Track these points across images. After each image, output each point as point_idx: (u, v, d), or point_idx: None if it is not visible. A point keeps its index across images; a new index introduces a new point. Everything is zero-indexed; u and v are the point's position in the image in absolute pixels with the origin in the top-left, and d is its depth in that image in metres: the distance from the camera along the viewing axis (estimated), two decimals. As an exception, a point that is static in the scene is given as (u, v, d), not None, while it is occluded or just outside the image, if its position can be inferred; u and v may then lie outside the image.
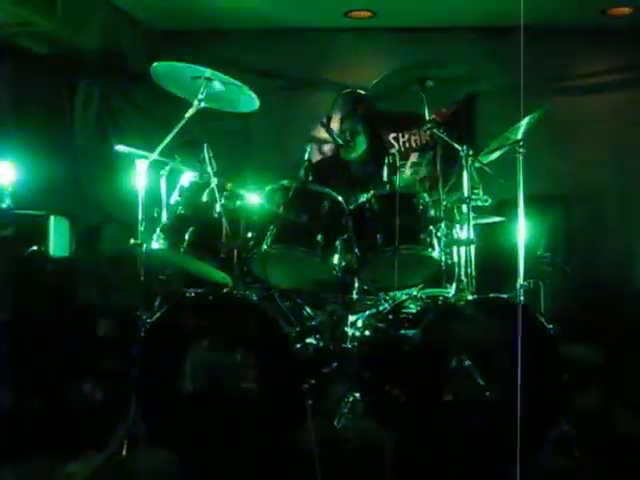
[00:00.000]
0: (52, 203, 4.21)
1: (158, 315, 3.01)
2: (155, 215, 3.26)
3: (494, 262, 3.56)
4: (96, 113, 5.02)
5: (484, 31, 4.96)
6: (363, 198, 3.21)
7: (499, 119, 4.95)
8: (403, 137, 5.17)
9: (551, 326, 2.94)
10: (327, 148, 4.18)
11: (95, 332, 4.25)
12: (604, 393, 3.50)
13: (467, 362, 2.93)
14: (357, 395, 3.45)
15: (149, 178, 3.19)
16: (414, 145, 5.17)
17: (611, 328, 4.30)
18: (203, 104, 3.27)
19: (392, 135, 5.18)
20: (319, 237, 3.07)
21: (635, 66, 4.93)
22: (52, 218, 3.98)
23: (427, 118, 3.32)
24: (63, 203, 4.42)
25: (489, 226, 3.59)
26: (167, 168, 3.28)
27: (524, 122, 3.17)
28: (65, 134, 4.86)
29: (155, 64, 3.23)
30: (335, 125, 4.21)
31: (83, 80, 4.92)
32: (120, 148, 3.26)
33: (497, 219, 3.57)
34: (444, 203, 3.24)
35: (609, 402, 3.36)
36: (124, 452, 2.98)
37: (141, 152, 3.20)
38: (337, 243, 3.16)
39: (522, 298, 3.04)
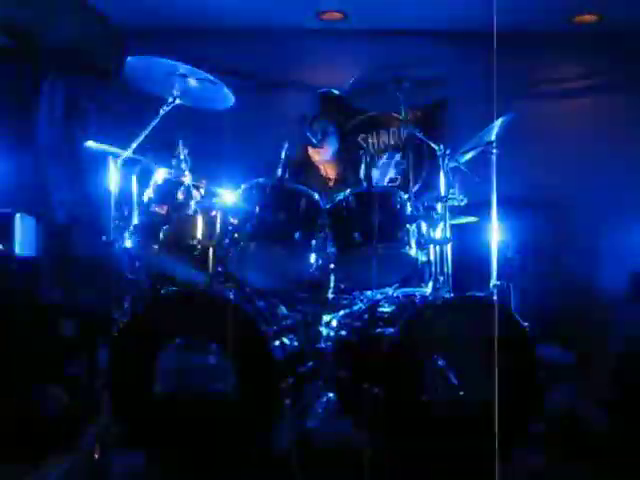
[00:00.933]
0: (18, 201, 4.11)
1: (131, 314, 2.95)
2: (126, 213, 3.19)
3: (464, 262, 3.58)
4: (62, 110, 4.93)
5: (454, 35, 5.00)
6: (340, 196, 3.20)
7: (467, 122, 5.04)
8: (372, 138, 5.19)
9: (527, 324, 2.97)
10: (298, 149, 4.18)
11: (61, 333, 4.14)
12: (574, 392, 3.54)
13: (440, 362, 2.95)
14: (331, 395, 3.44)
15: (120, 176, 3.13)
16: (383, 146, 5.19)
17: (579, 328, 4.38)
18: (177, 101, 3.23)
19: (361, 136, 5.19)
20: (296, 235, 3.06)
21: (599, 72, 5.03)
22: (18, 216, 3.88)
23: (404, 117, 3.33)
24: (29, 201, 4.32)
25: (459, 226, 3.62)
26: (139, 166, 3.22)
27: (497, 123, 3.21)
28: (30, 131, 4.75)
29: (129, 58, 3.19)
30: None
31: (49, 76, 4.82)
32: (91, 145, 3.20)
33: (471, 219, 3.61)
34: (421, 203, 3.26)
35: (579, 401, 3.41)
36: (96, 455, 2.90)
37: (113, 149, 3.14)
38: (314, 241, 3.15)
39: (496, 297, 3.06)
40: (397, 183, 5.02)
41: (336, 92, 3.86)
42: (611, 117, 4.97)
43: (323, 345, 3.43)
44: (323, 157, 4.22)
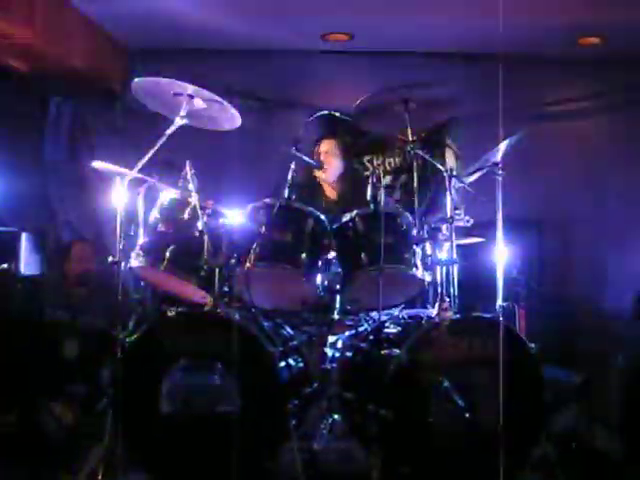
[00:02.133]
0: (23, 219, 4.12)
1: (138, 335, 2.94)
2: (132, 233, 3.19)
3: (470, 282, 3.58)
4: (69, 129, 4.95)
5: (459, 57, 5.03)
6: (346, 217, 3.20)
7: (470, 143, 5.06)
8: (377, 160, 5.20)
9: (533, 346, 2.96)
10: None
11: (63, 352, 4.13)
12: (581, 413, 3.52)
13: (445, 384, 2.93)
14: (336, 416, 3.43)
15: (126, 196, 3.13)
16: (388, 168, 5.21)
17: (584, 349, 4.37)
18: (184, 121, 3.24)
19: (367, 158, 5.21)
20: (302, 255, 3.06)
21: (603, 95, 5.05)
22: (23, 235, 3.89)
23: (410, 138, 3.34)
24: (34, 220, 4.33)
25: (465, 247, 3.63)
26: (145, 186, 3.22)
27: (503, 145, 3.22)
28: (36, 150, 4.78)
29: (136, 79, 3.18)
30: (308, 147, 4.22)
31: (56, 96, 4.86)
32: (98, 165, 3.20)
33: (476, 240, 3.61)
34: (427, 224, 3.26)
35: (586, 422, 3.39)
36: (99, 476, 2.87)
37: (119, 169, 3.15)
38: (320, 262, 3.16)
39: (502, 318, 3.05)
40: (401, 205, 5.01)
41: (337, 114, 3.86)
42: (617, 138, 4.98)
43: (329, 366, 3.42)
44: (328, 178, 4.24)
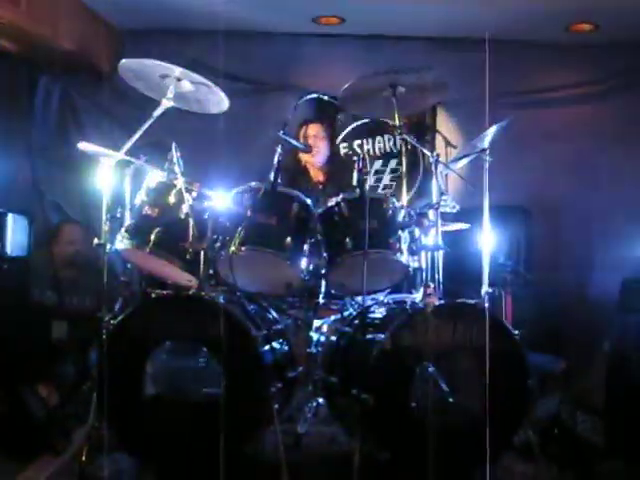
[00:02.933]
0: (10, 201, 4.10)
1: (122, 317, 2.94)
2: (118, 215, 3.18)
3: (456, 267, 3.58)
4: (57, 111, 4.92)
5: (450, 41, 5.01)
6: (332, 202, 3.20)
7: (459, 129, 5.06)
8: (367, 144, 5.19)
9: (517, 332, 2.97)
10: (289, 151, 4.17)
11: (50, 334, 4.13)
12: (563, 399, 3.55)
13: (431, 368, 2.95)
14: (320, 400, 3.44)
15: (113, 178, 3.12)
16: (378, 152, 5.20)
17: (571, 335, 4.39)
18: (172, 103, 3.22)
19: (357, 142, 5.20)
20: (287, 239, 3.05)
21: (594, 81, 5.04)
22: (10, 216, 3.88)
23: (398, 124, 3.33)
24: (22, 201, 4.32)
25: (450, 233, 3.62)
26: (132, 168, 3.21)
27: (491, 130, 3.22)
28: (23, 131, 4.75)
29: (123, 61, 3.16)
30: (295, 130, 4.21)
31: (44, 76, 4.82)
32: (83, 146, 3.19)
33: (463, 226, 3.61)
34: (412, 206, 3.26)
35: (571, 408, 3.41)
36: (84, 457, 2.89)
37: (106, 151, 3.13)
38: (305, 246, 3.15)
39: (488, 304, 3.06)
40: (392, 190, 5.01)
41: (325, 97, 3.84)
42: (606, 125, 4.98)
43: (313, 350, 3.43)
44: (314, 161, 4.23)
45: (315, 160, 4.20)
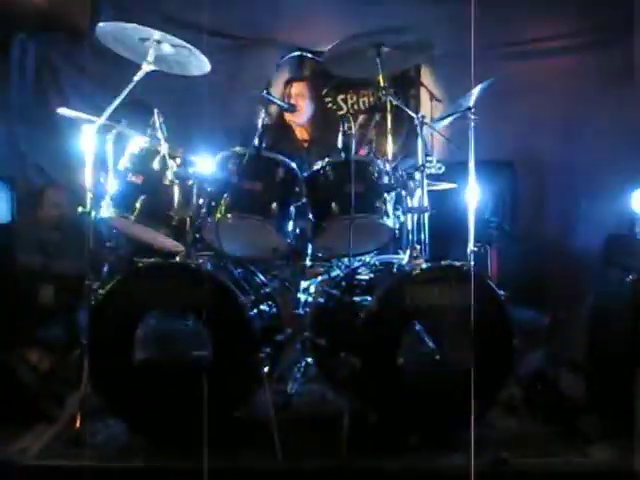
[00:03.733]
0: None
1: (110, 285, 2.95)
2: (101, 181, 3.15)
3: (442, 226, 3.60)
4: (34, 70, 4.80)
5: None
6: (317, 165, 3.19)
7: (444, 82, 5.00)
8: (352, 99, 5.13)
9: (502, 292, 3.00)
10: (273, 110, 4.13)
11: (37, 299, 4.13)
12: (547, 356, 3.61)
13: (417, 327, 2.98)
14: (309, 360, 3.49)
15: (94, 142, 3.08)
16: (362, 107, 5.14)
17: (556, 291, 4.44)
18: (152, 67, 3.16)
19: (341, 96, 5.12)
20: (273, 205, 3.05)
21: (581, 32, 4.97)
22: (-9, 181, 3.82)
23: (381, 84, 3.30)
24: (2, 166, 4.25)
25: (436, 192, 3.62)
26: (113, 132, 3.17)
27: (476, 90, 3.19)
28: (1, 93, 4.64)
29: (101, 24, 3.09)
30: (279, 88, 4.16)
31: (19, 37, 4.69)
32: (63, 111, 3.14)
33: (449, 185, 3.61)
34: (397, 168, 3.24)
35: (555, 364, 3.48)
36: (77, 424, 2.93)
37: (86, 116, 3.08)
38: (291, 210, 3.16)
39: (473, 264, 3.08)
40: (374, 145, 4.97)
41: (309, 55, 3.78)
42: (593, 78, 4.92)
43: (301, 311, 3.47)
44: (298, 120, 4.19)
45: (299, 119, 4.16)
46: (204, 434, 2.76)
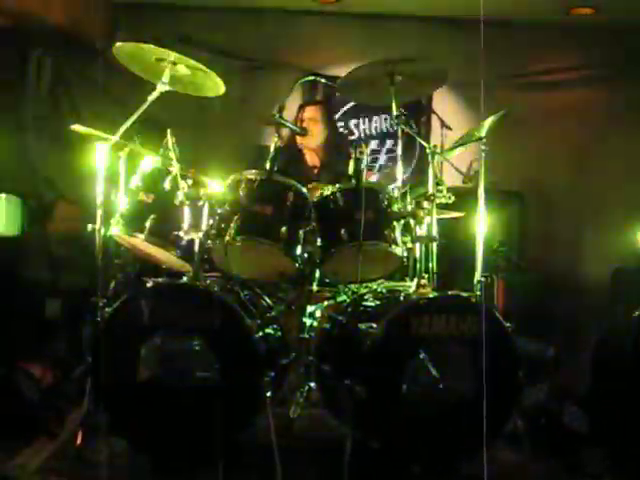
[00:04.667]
0: (3, 180, 4.07)
1: (117, 304, 2.94)
2: (112, 198, 3.17)
3: (450, 254, 3.60)
4: (49, 85, 4.86)
5: (449, 21, 4.95)
6: (327, 191, 3.20)
7: (456, 110, 5.03)
8: (364, 124, 5.16)
9: (509, 324, 2.99)
10: (285, 133, 4.15)
11: (44, 314, 4.13)
12: (554, 387, 3.59)
13: (422, 355, 2.98)
14: (313, 385, 3.48)
15: (107, 159, 3.10)
16: (374, 132, 5.17)
17: (562, 323, 4.42)
18: (167, 87, 3.19)
19: (353, 121, 5.17)
20: (283, 229, 3.05)
21: (592, 65, 5.01)
22: (3, 196, 3.85)
23: (394, 113, 3.31)
24: (14, 180, 4.28)
25: (445, 220, 3.63)
26: (126, 150, 3.19)
27: (488, 120, 3.20)
28: (15, 105, 4.68)
29: (118, 44, 3.12)
30: (291, 112, 4.17)
31: (36, 52, 4.74)
32: (76, 128, 3.16)
33: (457, 214, 3.62)
34: (407, 196, 3.25)
35: (559, 397, 3.46)
36: (78, 441, 2.92)
37: (99, 133, 3.11)
38: (300, 234, 3.16)
39: (480, 294, 3.07)
40: (387, 170, 5.00)
41: (322, 80, 3.80)
42: (604, 110, 4.96)
43: (306, 335, 3.45)
44: (311, 144, 4.20)
45: (311, 143, 4.18)
46: (205, 456, 2.77)
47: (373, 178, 4.75)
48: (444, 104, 5.11)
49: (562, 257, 4.81)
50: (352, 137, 5.03)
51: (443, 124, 5.00)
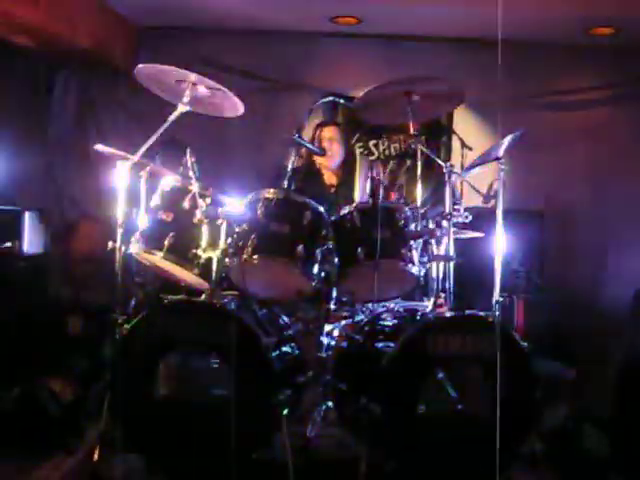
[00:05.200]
0: (27, 198, 4.15)
1: (136, 320, 2.98)
2: (133, 216, 3.21)
3: (469, 274, 3.59)
4: (75, 107, 4.95)
5: (470, 42, 4.97)
6: (345, 210, 3.22)
7: (477, 129, 5.03)
8: (383, 144, 5.18)
9: (525, 344, 2.97)
10: (304, 153, 4.17)
11: (66, 330, 4.19)
12: (573, 409, 3.55)
13: (440, 375, 2.97)
14: (330, 404, 3.47)
15: (129, 179, 3.15)
16: (393, 152, 5.19)
17: (581, 343, 4.37)
18: (187, 108, 3.24)
19: (372, 142, 5.18)
20: (300, 247, 3.07)
21: (613, 85, 4.99)
22: (27, 214, 3.92)
23: (412, 132, 3.33)
24: (38, 198, 4.36)
25: (463, 239, 3.62)
26: (147, 169, 3.23)
27: (506, 139, 3.20)
28: (41, 126, 4.78)
29: (140, 66, 3.18)
30: (310, 132, 4.20)
31: (63, 74, 4.85)
32: (99, 148, 3.22)
33: (476, 234, 3.60)
34: (424, 215, 3.25)
35: (577, 418, 3.41)
36: (96, 457, 2.94)
37: (122, 153, 3.16)
38: (317, 253, 3.18)
39: (498, 314, 3.05)
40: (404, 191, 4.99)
41: (341, 100, 3.83)
42: (624, 130, 4.93)
43: (324, 354, 3.45)
44: (330, 164, 4.22)
45: (330, 163, 4.20)
46: (222, 474, 2.77)
47: (393, 197, 4.75)
48: (465, 124, 5.11)
49: (583, 277, 4.76)
50: (371, 157, 5.05)
51: (463, 144, 5.00)
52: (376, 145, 5.17)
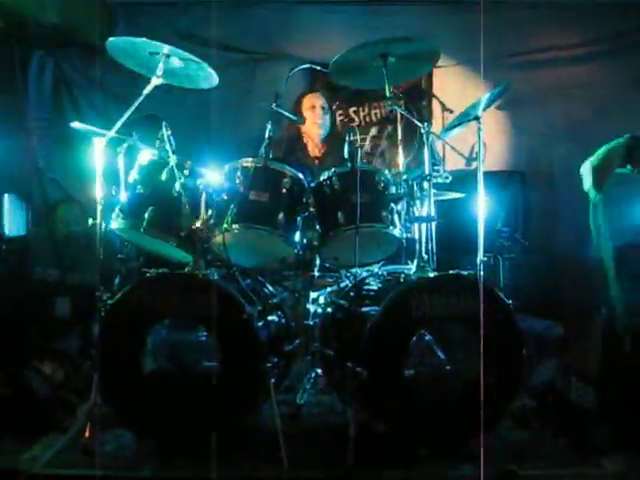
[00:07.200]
0: (8, 180, 4.11)
1: (119, 295, 2.97)
2: (113, 193, 3.19)
3: (451, 237, 3.59)
4: (51, 86, 4.90)
5: (448, 4, 4.92)
6: (324, 175, 3.20)
7: (456, 93, 5.00)
8: (363, 111, 5.15)
9: (511, 302, 2.98)
10: (286, 123, 4.13)
11: (53, 311, 4.18)
12: (560, 366, 3.56)
13: (427, 337, 2.98)
14: (319, 371, 3.49)
15: (106, 155, 3.12)
16: (374, 119, 5.16)
17: (567, 301, 4.39)
18: (161, 80, 3.21)
19: (353, 109, 5.15)
20: (280, 215, 3.06)
21: (593, 42, 4.95)
22: (6, 196, 3.90)
23: (388, 94, 3.30)
24: (18, 180, 4.32)
25: (446, 201, 3.62)
26: (124, 145, 3.21)
27: (484, 99, 3.18)
28: (18, 107, 4.73)
29: (111, 39, 3.15)
30: (290, 103, 4.16)
31: (37, 51, 4.78)
32: (76, 125, 3.19)
33: (456, 195, 3.60)
34: (404, 178, 3.23)
35: (566, 375, 3.43)
36: (87, 434, 2.95)
37: (98, 130, 3.13)
38: (298, 220, 3.17)
39: (482, 274, 3.05)
40: (387, 156, 4.97)
41: (318, 68, 3.79)
42: (605, 87, 4.90)
43: (310, 322, 3.46)
44: (320, 133, 4.17)
45: (320, 131, 4.16)
46: (212, 444, 2.79)
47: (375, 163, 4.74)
48: (445, 88, 5.09)
49: (568, 236, 4.76)
50: (352, 124, 5.02)
51: (444, 107, 5.00)
52: (356, 112, 5.14)
